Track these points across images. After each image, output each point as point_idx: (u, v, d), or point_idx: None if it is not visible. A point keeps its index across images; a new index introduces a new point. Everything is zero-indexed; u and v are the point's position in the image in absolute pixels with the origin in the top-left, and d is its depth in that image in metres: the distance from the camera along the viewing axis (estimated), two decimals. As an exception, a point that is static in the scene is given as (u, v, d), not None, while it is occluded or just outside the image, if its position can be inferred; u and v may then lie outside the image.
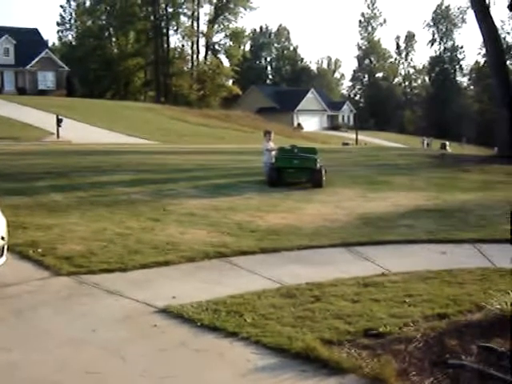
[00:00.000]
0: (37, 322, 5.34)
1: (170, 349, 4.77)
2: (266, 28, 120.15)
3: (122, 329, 5.19)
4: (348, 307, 5.56)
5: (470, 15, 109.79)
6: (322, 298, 5.83)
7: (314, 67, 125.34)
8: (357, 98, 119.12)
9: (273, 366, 4.44)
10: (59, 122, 35.55)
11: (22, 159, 20.31)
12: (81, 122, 43.51)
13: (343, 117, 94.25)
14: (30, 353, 4.68)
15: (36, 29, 70.50)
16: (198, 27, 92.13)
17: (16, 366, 4.45)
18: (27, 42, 63.45)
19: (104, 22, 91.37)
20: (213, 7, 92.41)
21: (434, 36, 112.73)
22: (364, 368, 4.29)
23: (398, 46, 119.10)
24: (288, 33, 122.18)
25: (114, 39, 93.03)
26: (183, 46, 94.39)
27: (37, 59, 64.62)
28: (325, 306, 5.59)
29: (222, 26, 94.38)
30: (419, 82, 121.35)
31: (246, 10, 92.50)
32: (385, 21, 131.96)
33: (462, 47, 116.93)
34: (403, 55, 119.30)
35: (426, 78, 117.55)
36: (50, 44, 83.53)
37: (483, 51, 69.61)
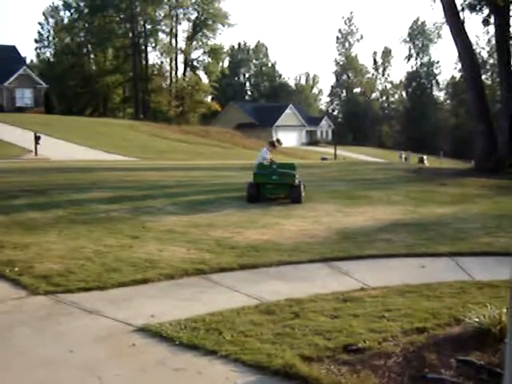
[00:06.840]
0: (13, 343, 5.26)
1: (148, 368, 4.72)
2: (245, 44, 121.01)
3: (100, 348, 5.13)
4: (327, 323, 5.55)
5: (446, 31, 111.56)
6: (301, 314, 5.82)
7: (292, 83, 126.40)
8: (335, 113, 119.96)
9: (252, 383, 4.42)
10: (37, 139, 35.23)
11: (-1, 177, 20.08)
12: (59, 139, 43.19)
13: (322, 132, 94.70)
14: (5, 374, 4.60)
15: (13, 46, 69.98)
16: (176, 44, 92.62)
17: (-9, 388, 4.38)
18: (4, 58, 62.95)
19: (82, 39, 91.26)
20: (191, 24, 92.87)
21: (410, 51, 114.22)
22: (343, 384, 4.28)
23: (375, 62, 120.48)
24: (266, 49, 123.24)
25: (92, 56, 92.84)
26: (162, 62, 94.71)
27: (14, 76, 64.09)
28: (304, 322, 5.59)
29: (200, 43, 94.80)
30: (396, 96, 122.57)
31: (224, 26, 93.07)
32: (362, 37, 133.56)
33: (438, 62, 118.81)
34: (380, 70, 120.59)
35: (403, 93, 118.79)
36: (27, 61, 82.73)
37: (459, 66, 70.73)
